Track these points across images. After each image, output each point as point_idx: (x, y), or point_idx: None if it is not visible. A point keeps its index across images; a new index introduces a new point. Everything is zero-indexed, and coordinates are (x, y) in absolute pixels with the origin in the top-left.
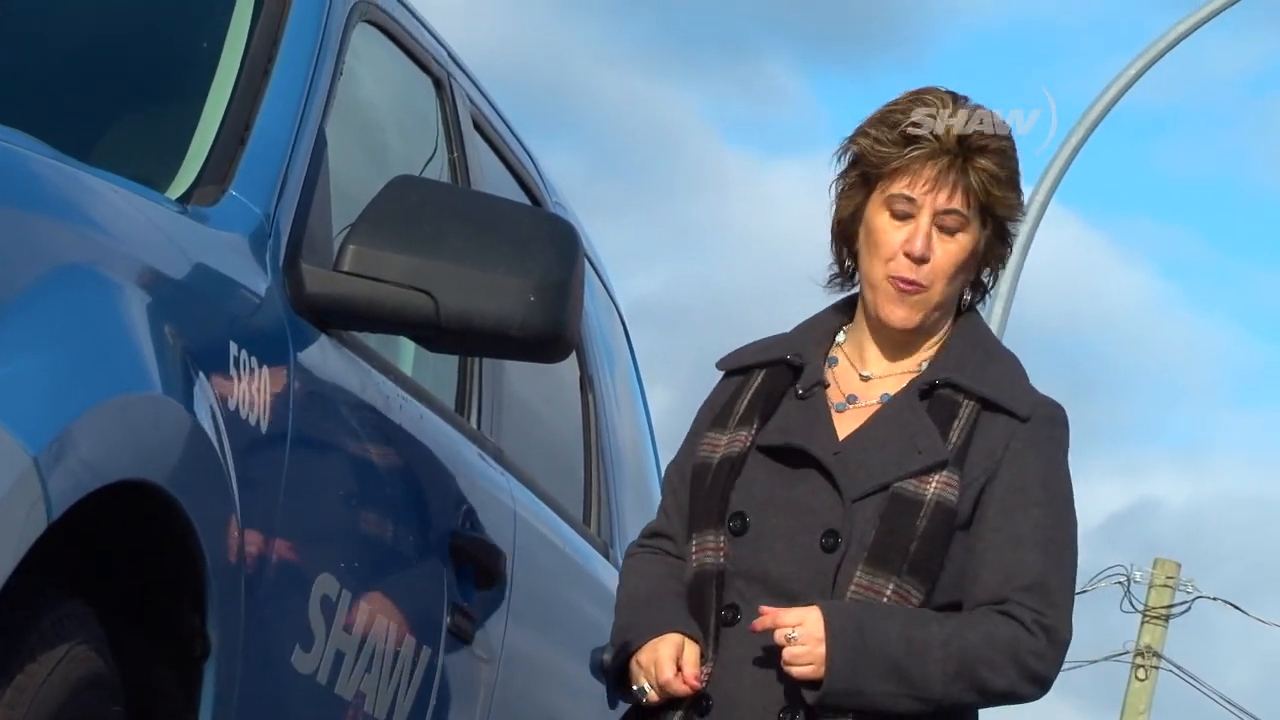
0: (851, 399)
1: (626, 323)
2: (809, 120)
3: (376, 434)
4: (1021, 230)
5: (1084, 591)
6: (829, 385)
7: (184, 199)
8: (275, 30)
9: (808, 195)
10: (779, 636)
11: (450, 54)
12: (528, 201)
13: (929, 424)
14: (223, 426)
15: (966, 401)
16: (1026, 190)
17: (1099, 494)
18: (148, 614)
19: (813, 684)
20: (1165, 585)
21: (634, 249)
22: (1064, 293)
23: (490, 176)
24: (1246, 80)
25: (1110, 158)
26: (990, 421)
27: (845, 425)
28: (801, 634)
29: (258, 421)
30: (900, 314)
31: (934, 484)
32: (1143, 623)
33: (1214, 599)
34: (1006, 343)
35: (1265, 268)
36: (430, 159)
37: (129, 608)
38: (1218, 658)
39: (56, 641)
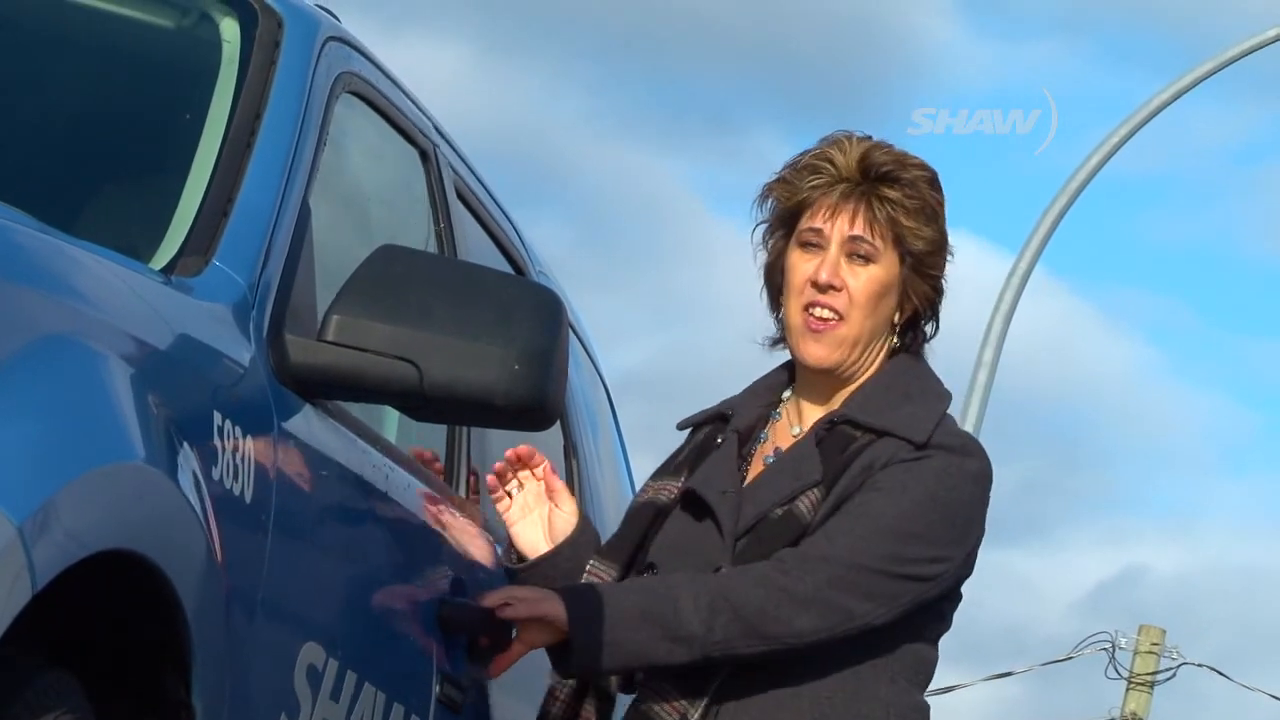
0: (778, 451)
1: (611, 392)
2: None
3: (361, 503)
4: (1005, 298)
5: (1069, 658)
6: (764, 440)
7: (167, 269)
8: (258, 102)
9: None
10: (495, 600)
11: (435, 125)
12: (511, 271)
13: (815, 456)
14: (207, 496)
15: (864, 435)
16: (1010, 258)
17: (1086, 563)
18: (133, 684)
19: (563, 660)
20: (1150, 652)
21: (621, 319)
22: (1052, 361)
23: (474, 246)
24: (1232, 150)
25: (1099, 227)
26: (880, 445)
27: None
28: (519, 594)
29: (242, 491)
30: (816, 351)
31: (794, 503)
32: (1128, 689)
33: (1199, 665)
34: (991, 411)
35: (1253, 337)
36: (416, 229)
37: (114, 678)
38: None
39: (41, 712)
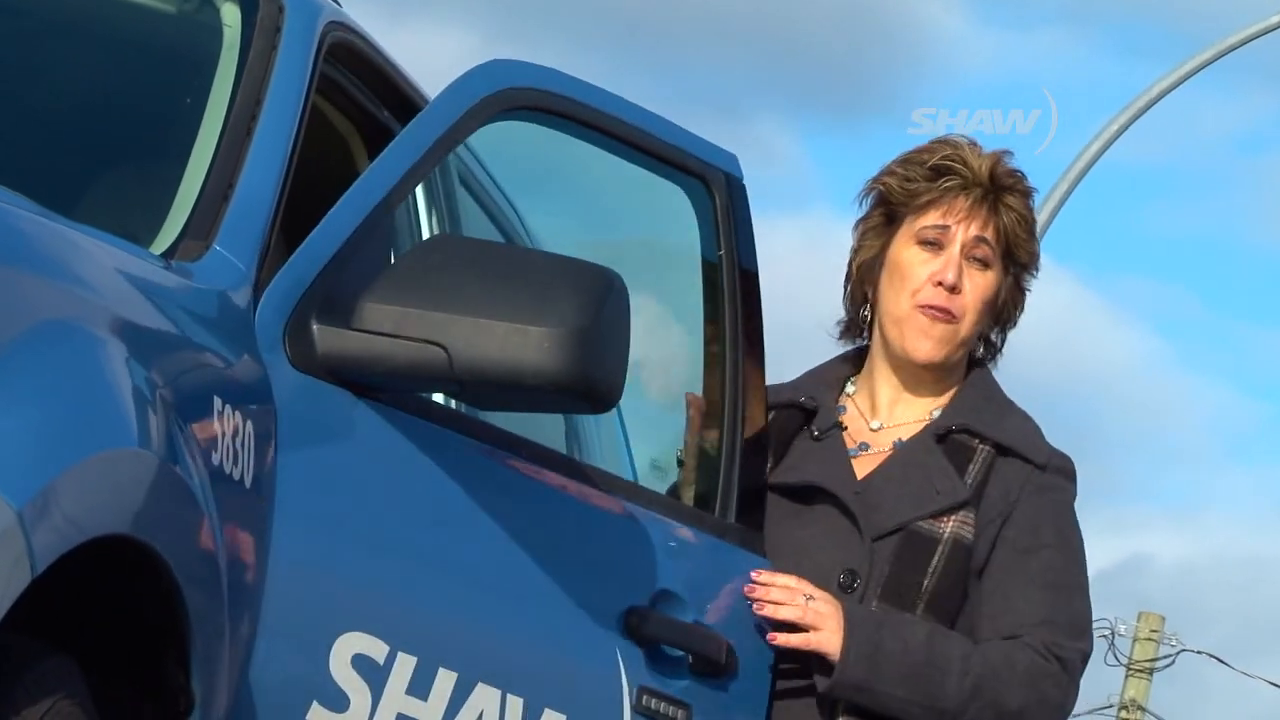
0: (864, 446)
1: None
2: (801, 180)
3: (388, 487)
4: None
5: None
6: (845, 429)
7: (168, 254)
8: (259, 87)
9: (801, 253)
10: (793, 596)
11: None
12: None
13: (946, 465)
14: (207, 481)
15: (981, 447)
16: None
17: (1090, 550)
18: (133, 669)
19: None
20: (1150, 639)
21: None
22: (1058, 351)
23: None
24: (1236, 138)
25: (1104, 216)
26: (1006, 466)
27: (861, 469)
28: (819, 597)
29: (242, 476)
30: (927, 347)
31: (950, 523)
32: (1127, 676)
33: (1199, 652)
34: None
35: (1259, 327)
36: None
37: (114, 663)
38: (1203, 712)
39: (41, 696)
